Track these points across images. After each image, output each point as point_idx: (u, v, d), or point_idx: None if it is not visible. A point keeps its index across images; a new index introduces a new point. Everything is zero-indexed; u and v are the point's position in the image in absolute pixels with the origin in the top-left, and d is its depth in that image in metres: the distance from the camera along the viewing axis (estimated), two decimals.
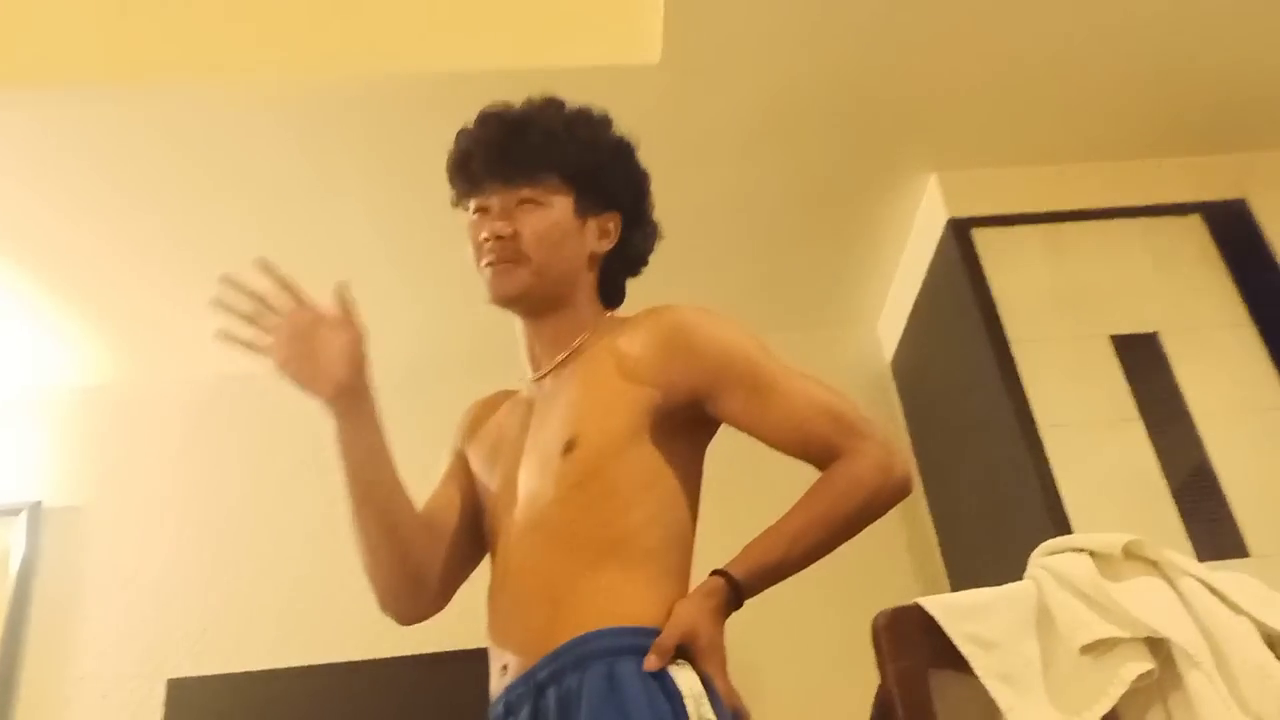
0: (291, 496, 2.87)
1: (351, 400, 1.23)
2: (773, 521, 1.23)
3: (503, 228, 1.33)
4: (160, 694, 2.54)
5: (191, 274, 2.73)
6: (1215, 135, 2.74)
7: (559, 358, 1.37)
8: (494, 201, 1.36)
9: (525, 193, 1.35)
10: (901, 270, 3.02)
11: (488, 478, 1.39)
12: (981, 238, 2.66)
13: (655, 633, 1.14)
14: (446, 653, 2.58)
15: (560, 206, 1.36)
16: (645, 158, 1.46)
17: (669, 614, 1.17)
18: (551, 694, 1.13)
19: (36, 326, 2.83)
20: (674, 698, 1.09)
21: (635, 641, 1.13)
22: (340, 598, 2.71)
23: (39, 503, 2.81)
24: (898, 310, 3.07)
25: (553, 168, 1.36)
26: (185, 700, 2.52)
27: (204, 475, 2.91)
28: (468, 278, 1.39)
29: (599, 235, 1.40)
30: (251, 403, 3.02)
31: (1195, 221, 2.71)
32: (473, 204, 1.39)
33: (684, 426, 1.30)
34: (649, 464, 1.25)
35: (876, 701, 1.23)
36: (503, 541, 1.30)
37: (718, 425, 1.34)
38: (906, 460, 1.27)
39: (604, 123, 1.43)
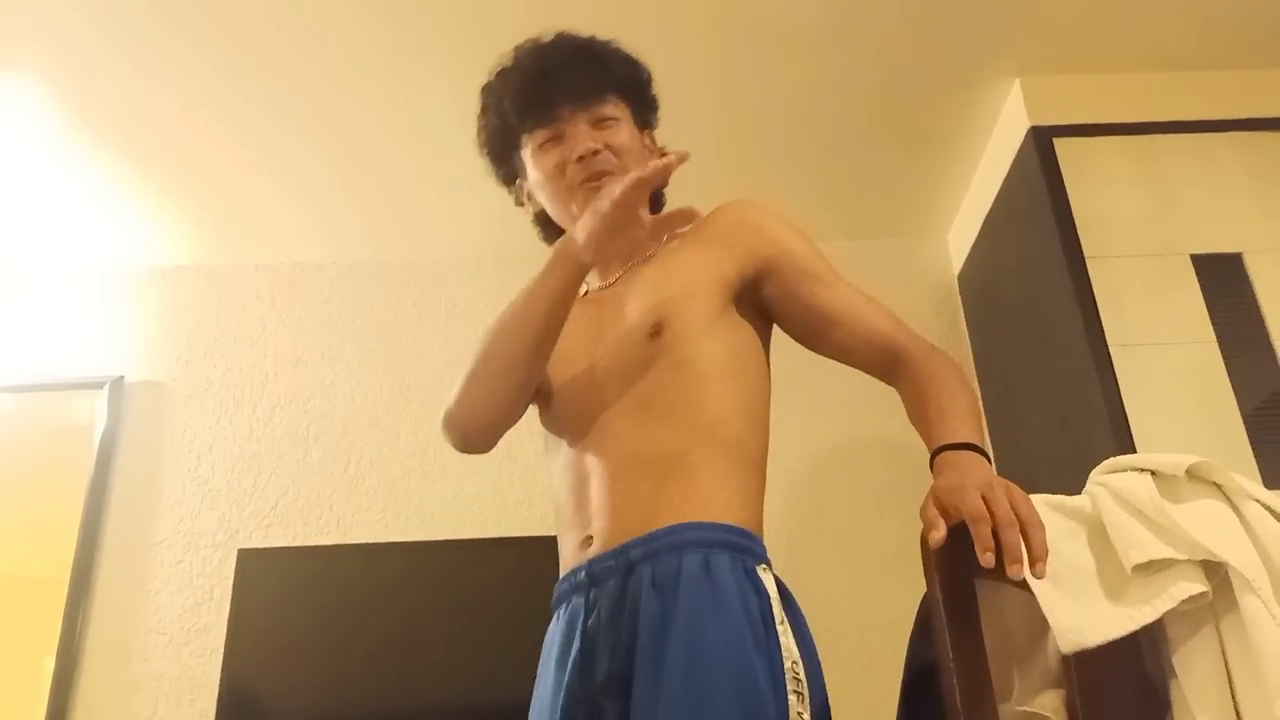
0: (360, 381, 2.95)
1: (588, 270, 1.31)
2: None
3: (598, 139, 1.39)
4: (231, 562, 2.67)
5: (276, 156, 2.75)
6: None
7: (629, 264, 1.45)
8: (570, 127, 1.40)
9: (600, 111, 1.42)
10: (977, 180, 2.93)
11: (557, 367, 1.41)
12: (1064, 148, 2.55)
13: (745, 533, 1.22)
14: (504, 538, 2.67)
15: (628, 122, 1.45)
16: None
17: (753, 512, 1.25)
18: (645, 571, 1.18)
19: (123, 206, 2.88)
20: (762, 594, 1.17)
21: (728, 538, 1.20)
22: (403, 481, 2.80)
23: (121, 377, 2.92)
24: (969, 221, 2.99)
25: (616, 86, 1.44)
26: (254, 569, 2.64)
27: (279, 357, 2.99)
28: None
29: (650, 150, 1.49)
30: (325, 289, 3.09)
31: None
32: (540, 135, 1.42)
33: (752, 313, 1.37)
34: (733, 350, 1.32)
35: (921, 608, 1.25)
36: (579, 425, 1.34)
37: (770, 327, 1.40)
38: None
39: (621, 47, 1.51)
